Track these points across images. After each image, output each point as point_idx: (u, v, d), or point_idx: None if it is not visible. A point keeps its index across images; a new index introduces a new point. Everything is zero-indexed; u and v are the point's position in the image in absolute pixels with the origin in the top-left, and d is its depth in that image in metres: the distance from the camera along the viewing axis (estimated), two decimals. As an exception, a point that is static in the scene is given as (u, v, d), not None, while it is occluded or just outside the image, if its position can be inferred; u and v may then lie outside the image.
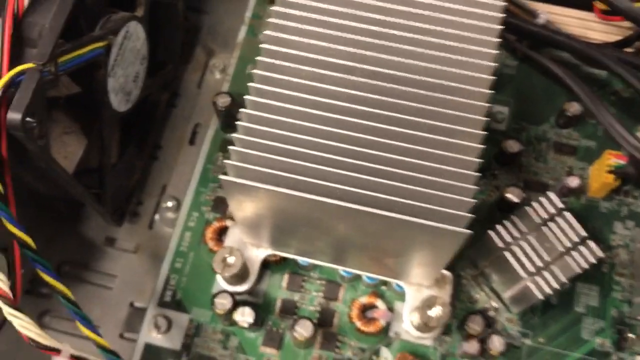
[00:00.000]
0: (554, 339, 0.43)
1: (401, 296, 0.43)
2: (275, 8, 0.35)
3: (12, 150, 0.34)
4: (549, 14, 0.49)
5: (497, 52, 0.34)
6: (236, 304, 0.41)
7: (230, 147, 0.32)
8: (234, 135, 0.33)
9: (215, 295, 0.41)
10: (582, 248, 0.40)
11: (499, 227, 0.41)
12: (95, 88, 0.39)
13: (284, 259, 0.44)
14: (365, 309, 0.43)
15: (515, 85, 0.50)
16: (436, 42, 0.34)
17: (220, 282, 0.42)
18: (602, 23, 0.49)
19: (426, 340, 0.42)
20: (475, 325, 0.42)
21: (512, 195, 0.44)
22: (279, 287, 0.44)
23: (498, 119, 0.49)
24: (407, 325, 0.41)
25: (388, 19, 0.35)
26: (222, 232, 0.45)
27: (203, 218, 0.46)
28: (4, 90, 0.32)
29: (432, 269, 0.38)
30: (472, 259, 0.44)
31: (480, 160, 0.32)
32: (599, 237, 0.45)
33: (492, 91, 0.34)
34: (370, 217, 0.32)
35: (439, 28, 0.34)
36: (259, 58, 0.34)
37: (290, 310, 0.44)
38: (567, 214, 0.41)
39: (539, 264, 0.40)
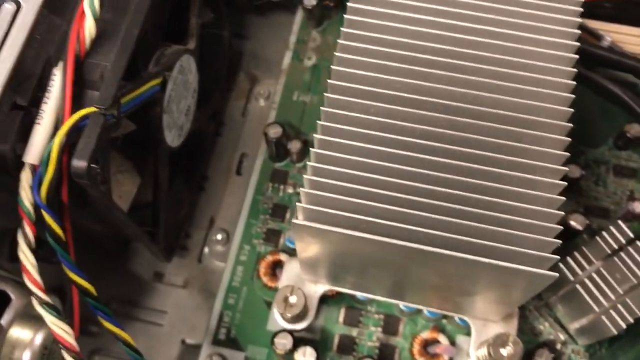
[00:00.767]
0: (623, 371, 0.42)
1: (463, 330, 0.42)
2: (341, 41, 0.34)
3: (72, 195, 0.33)
4: (606, 32, 0.47)
5: (574, 82, 0.33)
6: (296, 343, 0.40)
7: (302, 189, 0.31)
8: (305, 176, 0.32)
9: (275, 335, 0.40)
10: (656, 279, 0.39)
11: (568, 259, 0.39)
12: (150, 126, 0.38)
13: (340, 293, 0.42)
14: (427, 344, 0.42)
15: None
16: (512, 73, 0.33)
17: (278, 320, 0.41)
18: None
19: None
20: (543, 358, 0.40)
21: (576, 223, 0.43)
22: (336, 321, 0.43)
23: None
24: (473, 361, 0.40)
25: (459, 49, 0.33)
26: (275, 266, 0.44)
27: (255, 251, 0.45)
28: (67, 136, 0.31)
29: (504, 307, 0.36)
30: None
31: (564, 198, 0.31)
32: (665, 263, 0.44)
33: (571, 125, 0.32)
34: (449, 260, 0.30)
35: (514, 59, 0.33)
36: (327, 94, 0.33)
37: (349, 347, 0.42)
38: (639, 244, 0.39)
39: (612, 297, 0.38)
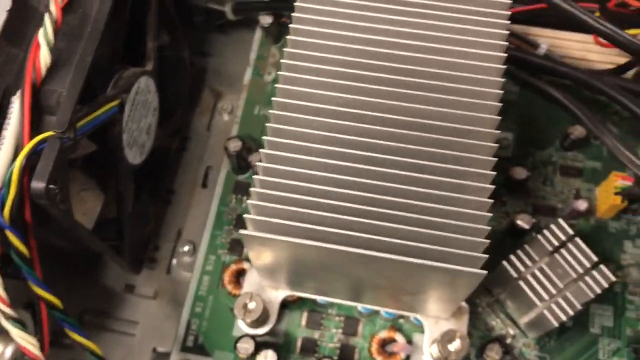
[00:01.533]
0: (571, 361, 0.44)
1: (420, 329, 0.44)
2: (285, 61, 0.36)
3: (35, 214, 0.35)
4: (548, 38, 0.50)
5: (501, 91, 0.35)
6: (258, 347, 0.42)
7: (249, 201, 0.33)
8: (252, 189, 0.34)
9: (237, 340, 0.42)
10: (594, 273, 0.41)
11: (512, 258, 0.41)
12: (110, 145, 0.40)
13: (302, 297, 0.45)
14: (385, 343, 0.44)
15: (518, 111, 0.51)
16: (442, 85, 0.35)
17: (241, 326, 0.43)
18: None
19: (447, 371, 0.43)
20: (493, 353, 0.42)
21: (523, 222, 0.45)
22: (298, 325, 0.45)
23: (503, 145, 0.50)
24: (427, 358, 0.42)
25: (394, 65, 0.36)
26: (239, 275, 0.46)
27: (220, 261, 0.47)
28: (26, 159, 0.33)
29: (449, 304, 0.39)
30: (486, 287, 0.45)
31: (492, 200, 0.33)
32: (610, 257, 0.46)
33: (499, 131, 0.35)
34: (387, 262, 0.32)
35: (445, 72, 0.35)
36: (271, 111, 0.35)
37: (311, 349, 0.44)
38: (578, 240, 0.42)
39: (553, 291, 0.40)
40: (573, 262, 0.41)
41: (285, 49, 0.37)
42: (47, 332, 0.38)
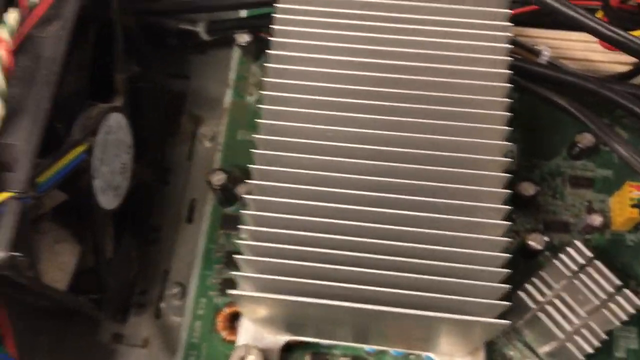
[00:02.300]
0: (596, 389, 0.41)
1: (432, 365, 0.40)
2: (268, 79, 0.33)
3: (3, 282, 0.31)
4: (548, 39, 0.46)
5: (509, 114, 0.32)
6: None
7: (238, 257, 0.30)
8: (241, 242, 0.30)
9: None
10: (618, 298, 0.38)
11: (528, 286, 0.38)
12: (81, 193, 0.36)
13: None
14: (395, 382, 0.41)
15: (520, 119, 0.47)
16: (443, 110, 0.32)
17: (241, 376, 0.40)
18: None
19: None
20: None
21: (535, 243, 0.42)
22: (302, 368, 0.42)
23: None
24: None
25: (387, 90, 0.32)
26: (234, 318, 0.43)
27: (212, 304, 0.44)
28: (-17, 226, 0.29)
29: (468, 346, 0.35)
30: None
31: (508, 240, 0.30)
32: (629, 272, 0.43)
33: (510, 159, 0.31)
34: (396, 316, 0.29)
35: (446, 95, 0.32)
36: (256, 136, 0.32)
37: (317, 393, 0.41)
38: (598, 263, 0.38)
39: (575, 320, 0.37)
40: (594, 287, 0.38)
41: (267, 64, 0.33)
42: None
